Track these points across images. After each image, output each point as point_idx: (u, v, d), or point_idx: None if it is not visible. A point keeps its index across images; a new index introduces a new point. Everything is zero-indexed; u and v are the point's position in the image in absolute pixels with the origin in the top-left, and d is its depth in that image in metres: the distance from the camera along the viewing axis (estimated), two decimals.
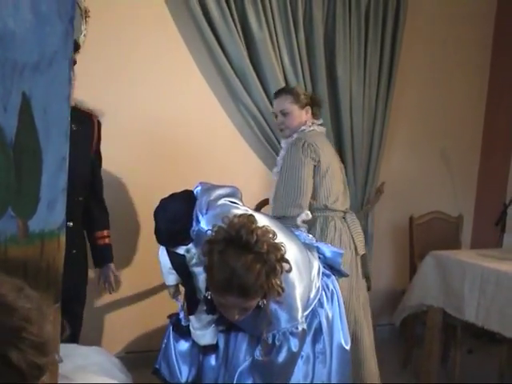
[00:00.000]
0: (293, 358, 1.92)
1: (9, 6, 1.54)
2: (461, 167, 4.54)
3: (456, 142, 4.49)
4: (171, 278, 2.17)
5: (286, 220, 2.73)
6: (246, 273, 1.65)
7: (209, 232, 1.76)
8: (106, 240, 2.69)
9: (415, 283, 3.48)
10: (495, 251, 3.48)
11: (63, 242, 1.75)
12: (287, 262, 1.77)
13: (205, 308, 2.01)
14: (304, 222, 2.84)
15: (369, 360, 2.99)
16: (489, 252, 3.43)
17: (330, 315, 2.09)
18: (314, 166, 2.90)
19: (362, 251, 3.05)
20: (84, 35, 3.25)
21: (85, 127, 2.51)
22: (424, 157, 4.39)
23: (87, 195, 2.55)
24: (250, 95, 3.62)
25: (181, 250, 2.05)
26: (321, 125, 3.09)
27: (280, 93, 3.08)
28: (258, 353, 1.93)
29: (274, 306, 1.84)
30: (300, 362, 1.98)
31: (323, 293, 2.10)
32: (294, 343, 1.88)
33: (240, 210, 1.92)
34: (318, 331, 2.05)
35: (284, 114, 3.01)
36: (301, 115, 3.00)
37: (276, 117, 3.09)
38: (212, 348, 2.15)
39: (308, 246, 2.14)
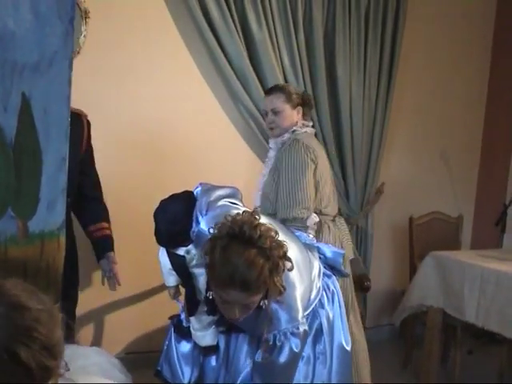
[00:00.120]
0: (294, 358, 1.91)
1: (8, 6, 1.54)
2: (461, 167, 4.55)
3: (456, 142, 4.49)
4: (171, 279, 2.16)
5: (290, 222, 2.72)
6: (249, 267, 1.65)
7: (211, 230, 1.75)
8: (104, 231, 2.60)
9: (415, 283, 3.48)
10: (495, 251, 3.48)
11: (63, 242, 1.75)
12: (289, 260, 1.77)
13: (205, 309, 2.01)
14: (315, 224, 2.82)
15: (361, 364, 2.95)
16: (489, 252, 3.43)
17: (331, 316, 2.09)
18: (314, 168, 2.85)
19: (351, 255, 3.04)
20: (84, 36, 3.25)
21: (74, 127, 2.48)
22: (424, 157, 4.39)
23: (76, 196, 2.50)
24: (250, 96, 3.62)
25: (181, 251, 2.04)
26: (312, 126, 3.04)
27: (272, 90, 3.01)
28: (258, 356, 1.93)
29: (274, 307, 1.83)
30: (300, 363, 1.97)
31: (324, 293, 2.09)
32: (295, 343, 1.87)
33: (240, 210, 1.91)
34: (319, 332, 2.05)
35: (275, 112, 2.93)
36: (292, 115, 2.94)
37: (266, 114, 3.01)
38: (212, 349, 2.14)
39: (308, 247, 2.14)
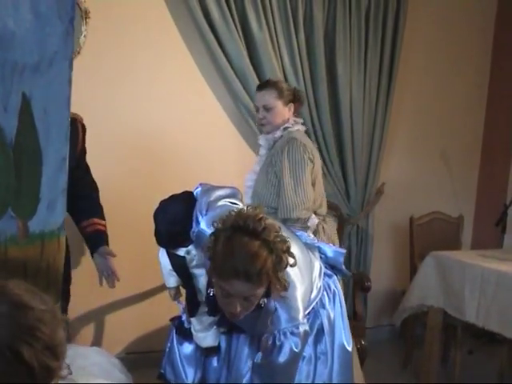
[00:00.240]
0: (295, 358, 1.90)
1: (8, 6, 1.54)
2: (461, 168, 4.54)
3: (456, 142, 4.49)
4: (172, 280, 2.15)
5: (292, 223, 2.70)
6: (253, 258, 1.64)
7: (215, 224, 1.75)
8: (97, 227, 2.51)
9: (415, 284, 3.48)
10: (495, 252, 3.48)
11: (63, 242, 1.75)
12: (292, 256, 1.76)
13: (206, 310, 2.01)
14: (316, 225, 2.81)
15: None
16: (489, 252, 3.43)
17: (332, 316, 2.08)
18: (312, 168, 2.83)
19: None
20: (84, 36, 3.25)
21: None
22: (424, 157, 4.39)
23: (71, 196, 2.46)
24: (250, 96, 3.62)
25: (181, 252, 2.03)
26: (302, 123, 3.00)
27: (264, 86, 2.94)
28: (258, 357, 1.93)
29: (274, 306, 1.83)
30: (302, 363, 1.97)
31: (325, 293, 2.09)
32: (295, 343, 1.87)
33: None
34: (320, 332, 2.04)
35: (267, 109, 2.87)
36: (284, 112, 2.89)
37: (257, 110, 2.95)
38: (214, 350, 2.13)
39: (309, 246, 2.13)
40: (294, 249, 1.88)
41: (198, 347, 2.16)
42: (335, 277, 2.19)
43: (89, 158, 2.56)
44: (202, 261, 1.95)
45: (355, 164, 3.98)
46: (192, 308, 2.09)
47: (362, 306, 3.70)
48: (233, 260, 1.65)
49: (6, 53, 1.56)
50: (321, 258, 2.17)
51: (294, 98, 2.93)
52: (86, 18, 3.24)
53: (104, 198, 2.71)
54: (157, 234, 2.05)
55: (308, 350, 1.99)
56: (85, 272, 2.88)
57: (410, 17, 4.05)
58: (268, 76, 3.60)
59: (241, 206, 2.01)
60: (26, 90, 1.61)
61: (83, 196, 2.52)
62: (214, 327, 2.10)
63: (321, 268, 2.11)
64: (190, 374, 2.18)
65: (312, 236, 2.34)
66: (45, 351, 1.13)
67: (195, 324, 2.11)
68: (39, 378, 1.12)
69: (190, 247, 2.01)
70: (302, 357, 1.96)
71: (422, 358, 3.50)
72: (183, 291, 2.18)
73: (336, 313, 2.11)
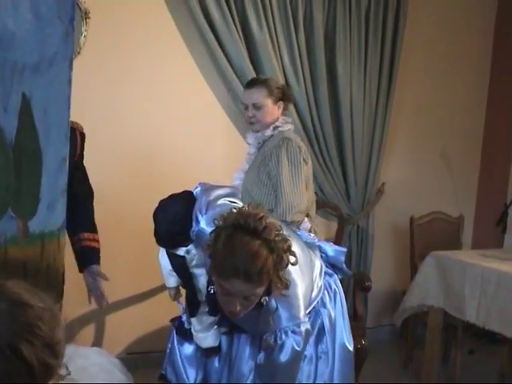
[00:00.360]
0: (296, 357, 1.90)
1: (8, 6, 1.54)
2: (461, 167, 4.54)
3: (457, 142, 4.49)
4: (172, 280, 2.14)
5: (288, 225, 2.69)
6: (253, 257, 1.64)
7: (216, 221, 1.75)
8: (87, 243, 2.35)
9: (416, 284, 3.48)
10: (496, 251, 3.48)
11: (63, 242, 1.75)
12: (293, 254, 1.76)
13: (206, 309, 2.00)
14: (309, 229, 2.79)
15: None
16: (489, 252, 3.43)
17: (333, 315, 2.08)
18: (306, 170, 2.79)
19: None
20: (84, 36, 3.25)
21: None
22: (424, 157, 4.39)
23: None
24: None
25: (181, 252, 2.03)
26: (291, 123, 2.95)
27: (253, 84, 2.87)
28: (260, 357, 1.92)
29: (275, 305, 1.83)
30: (303, 363, 1.97)
31: (326, 292, 2.08)
32: (296, 342, 1.87)
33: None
34: (321, 331, 2.04)
35: (257, 107, 2.80)
36: (273, 110, 2.82)
37: (246, 108, 2.87)
38: (214, 350, 2.12)
39: (310, 245, 2.13)
40: (295, 247, 1.87)
41: (198, 347, 2.15)
42: (336, 276, 2.18)
43: (88, 158, 2.56)
44: (201, 260, 1.95)
45: (355, 164, 3.98)
46: (192, 308, 2.09)
47: (363, 305, 3.70)
48: (233, 259, 1.65)
49: (5, 53, 1.56)
50: (321, 257, 2.16)
51: (283, 96, 2.88)
52: (86, 18, 3.24)
53: (104, 197, 2.71)
54: (156, 233, 2.04)
55: (309, 350, 1.99)
56: None
57: (410, 17, 4.04)
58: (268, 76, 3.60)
59: (241, 204, 2.01)
60: (26, 90, 1.61)
61: (76, 209, 2.32)
62: (215, 327, 2.08)
63: (321, 267, 2.10)
64: (191, 374, 2.17)
65: (312, 235, 2.33)
66: (44, 349, 1.13)
67: (195, 324, 2.10)
68: (38, 375, 1.13)
69: (190, 247, 2.00)
70: (303, 356, 1.96)
71: (422, 358, 3.50)
72: (183, 291, 2.18)
73: (337, 312, 2.10)
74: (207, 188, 2.05)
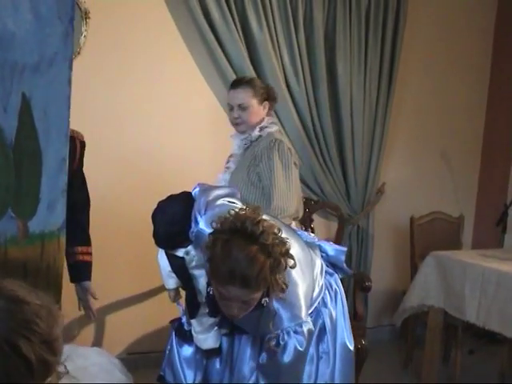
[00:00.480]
0: (299, 357, 1.90)
1: (8, 6, 1.54)
2: (462, 167, 4.54)
3: (457, 142, 4.49)
4: (171, 282, 2.13)
5: None
6: (250, 263, 1.64)
7: (213, 224, 1.74)
8: (80, 257, 2.39)
9: (416, 284, 3.48)
10: (496, 251, 3.48)
11: (63, 242, 1.75)
12: (292, 257, 1.75)
13: (206, 311, 1.99)
14: None
15: None
16: (490, 252, 3.43)
17: (334, 315, 2.08)
18: (296, 172, 2.76)
19: None
20: (84, 36, 3.25)
21: None
22: (425, 157, 4.39)
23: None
24: None
25: (180, 253, 2.01)
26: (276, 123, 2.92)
27: (239, 84, 2.82)
28: (263, 357, 1.92)
29: (276, 305, 1.82)
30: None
31: (327, 292, 2.08)
32: (299, 342, 1.86)
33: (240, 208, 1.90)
34: (322, 331, 2.04)
35: (243, 108, 2.75)
36: (259, 111, 2.78)
37: (231, 109, 2.82)
38: (215, 352, 2.11)
39: (310, 245, 2.12)
40: (295, 247, 1.87)
41: (198, 349, 2.14)
42: (336, 275, 2.18)
43: (88, 159, 2.56)
44: (201, 261, 1.93)
45: (355, 164, 3.98)
46: (192, 309, 2.08)
47: (363, 305, 3.70)
48: (230, 266, 1.64)
49: (5, 53, 1.56)
50: (322, 256, 2.16)
51: (268, 96, 2.84)
52: (86, 18, 3.24)
53: (103, 198, 2.72)
54: (155, 234, 2.03)
55: (310, 350, 1.98)
56: None
57: (410, 17, 4.04)
58: (268, 76, 3.60)
59: (240, 204, 2.01)
60: (26, 91, 1.61)
61: (72, 219, 2.25)
62: (215, 328, 2.08)
63: (322, 266, 2.10)
64: (189, 376, 2.16)
65: (312, 235, 2.32)
66: (42, 345, 1.13)
67: (196, 326, 2.10)
68: (37, 372, 1.13)
69: (189, 248, 1.99)
70: (307, 355, 1.96)
71: (422, 358, 3.50)
72: (183, 293, 2.17)
73: (338, 312, 2.10)
74: (206, 188, 2.05)
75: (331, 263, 2.19)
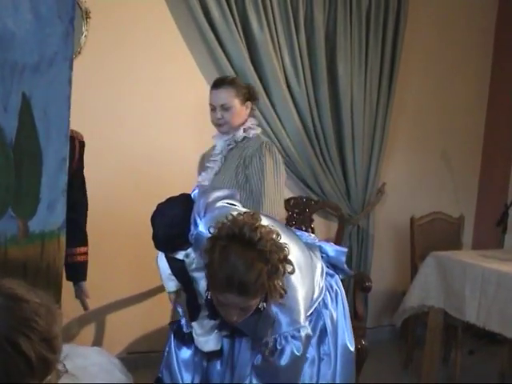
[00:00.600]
0: (296, 361, 1.89)
1: (8, 6, 1.54)
2: (462, 168, 4.54)
3: (457, 142, 4.49)
4: (171, 285, 2.12)
5: None
6: (248, 270, 1.63)
7: (211, 229, 1.73)
8: (77, 258, 2.44)
9: (416, 284, 3.48)
10: (496, 252, 3.48)
11: (63, 242, 1.75)
12: (290, 263, 1.75)
13: (207, 313, 1.98)
14: None
15: None
16: (490, 253, 3.43)
17: (335, 316, 2.07)
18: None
19: None
20: (85, 36, 3.25)
21: None
22: (425, 157, 4.39)
23: None
24: None
25: (180, 255, 2.00)
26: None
27: (221, 84, 2.76)
28: (258, 359, 1.92)
29: (275, 310, 1.82)
30: (305, 365, 1.96)
31: (327, 293, 2.08)
32: (296, 346, 1.86)
33: (240, 211, 1.89)
34: (323, 333, 2.04)
35: (225, 108, 2.70)
36: (242, 111, 2.73)
37: (214, 110, 2.75)
38: (216, 354, 2.11)
39: (310, 246, 2.11)
40: (295, 251, 1.87)
41: (196, 352, 2.14)
42: (337, 276, 2.18)
43: (88, 159, 2.56)
44: (201, 264, 1.91)
45: (356, 164, 3.98)
46: (193, 312, 2.07)
47: (363, 306, 3.70)
48: (227, 272, 1.64)
49: (5, 53, 1.56)
50: (322, 257, 2.15)
51: (250, 96, 2.80)
52: (86, 18, 3.24)
53: (103, 198, 2.72)
54: (155, 237, 2.01)
55: (311, 352, 1.98)
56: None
57: (410, 17, 4.05)
58: (269, 76, 3.61)
59: (239, 206, 2.00)
60: (26, 90, 1.61)
61: (71, 219, 2.40)
62: (216, 331, 2.07)
63: (322, 268, 2.09)
64: (187, 379, 2.16)
65: (313, 235, 2.31)
66: (41, 343, 1.14)
67: (196, 328, 2.09)
68: (37, 370, 1.13)
69: (189, 250, 1.98)
70: (305, 358, 1.95)
71: (422, 359, 3.50)
72: (183, 295, 2.17)
73: (339, 313, 2.10)
74: (205, 190, 2.04)
75: (332, 264, 2.19)
